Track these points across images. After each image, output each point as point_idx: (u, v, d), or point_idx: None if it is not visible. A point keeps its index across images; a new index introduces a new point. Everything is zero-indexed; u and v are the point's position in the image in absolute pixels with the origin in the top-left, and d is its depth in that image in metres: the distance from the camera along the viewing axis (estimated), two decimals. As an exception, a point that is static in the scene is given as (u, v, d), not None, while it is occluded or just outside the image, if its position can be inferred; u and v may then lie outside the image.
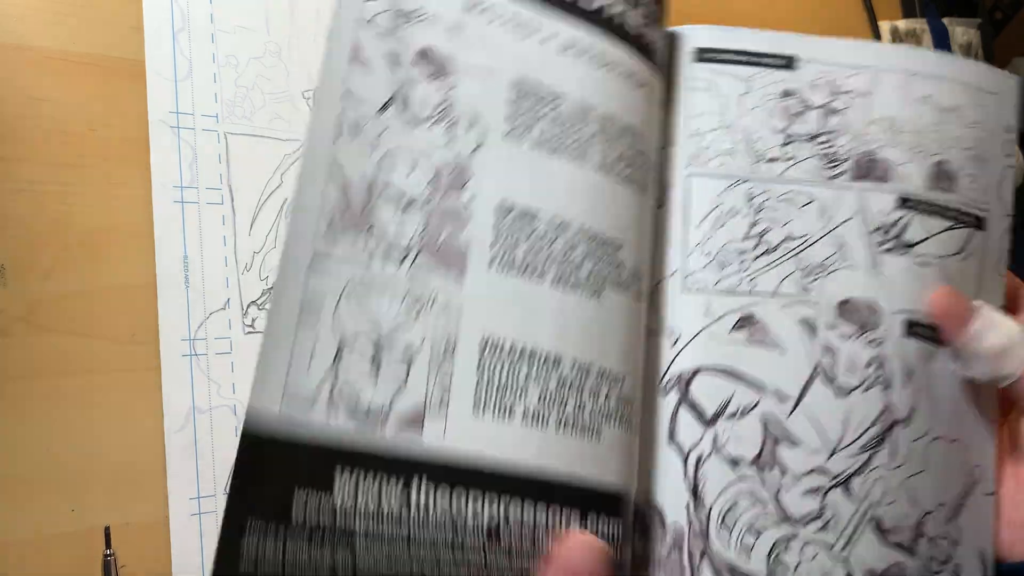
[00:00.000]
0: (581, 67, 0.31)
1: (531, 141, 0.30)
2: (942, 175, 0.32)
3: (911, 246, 0.32)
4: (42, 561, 0.36)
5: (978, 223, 0.32)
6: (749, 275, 0.32)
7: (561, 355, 0.28)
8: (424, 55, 0.30)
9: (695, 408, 0.31)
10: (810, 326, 0.31)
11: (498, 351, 0.27)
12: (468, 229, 0.28)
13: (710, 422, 0.30)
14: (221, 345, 0.40)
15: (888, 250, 0.32)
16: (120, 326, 0.39)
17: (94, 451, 0.38)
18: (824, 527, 0.29)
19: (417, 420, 0.26)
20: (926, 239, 0.32)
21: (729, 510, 0.30)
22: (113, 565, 0.37)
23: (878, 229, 0.32)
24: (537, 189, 0.29)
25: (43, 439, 0.37)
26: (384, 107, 0.30)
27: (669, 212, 0.33)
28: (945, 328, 0.30)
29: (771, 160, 0.33)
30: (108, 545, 0.37)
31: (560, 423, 0.27)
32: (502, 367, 0.27)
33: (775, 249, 0.32)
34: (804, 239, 0.32)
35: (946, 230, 0.32)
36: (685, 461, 0.30)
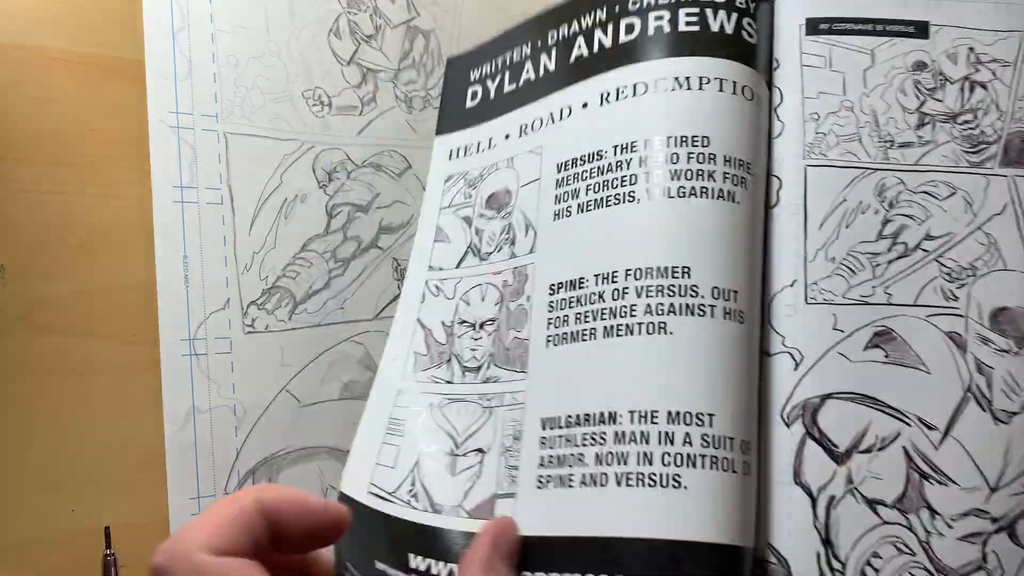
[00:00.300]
0: (621, 109, 0.30)
1: (577, 206, 0.30)
2: None
3: None
4: (42, 561, 0.36)
5: None
6: (883, 282, 0.27)
7: (615, 409, 0.26)
8: (489, 201, 0.33)
9: (825, 442, 0.26)
10: (958, 340, 0.27)
11: (555, 425, 0.27)
12: (528, 323, 0.30)
13: (843, 457, 0.26)
14: (221, 345, 0.40)
15: None
16: (120, 326, 0.39)
17: (94, 451, 0.38)
18: None
19: (488, 506, 0.28)
20: None
21: (869, 560, 0.25)
22: (113, 565, 0.37)
23: None
24: (583, 254, 0.29)
25: (43, 439, 0.37)
26: (460, 262, 0.33)
27: (783, 212, 0.29)
28: None
29: (903, 145, 0.28)
30: (108, 545, 0.37)
31: (621, 479, 0.25)
32: (560, 438, 0.27)
33: (913, 250, 0.28)
34: (948, 237, 0.28)
35: None
36: (814, 503, 0.26)
